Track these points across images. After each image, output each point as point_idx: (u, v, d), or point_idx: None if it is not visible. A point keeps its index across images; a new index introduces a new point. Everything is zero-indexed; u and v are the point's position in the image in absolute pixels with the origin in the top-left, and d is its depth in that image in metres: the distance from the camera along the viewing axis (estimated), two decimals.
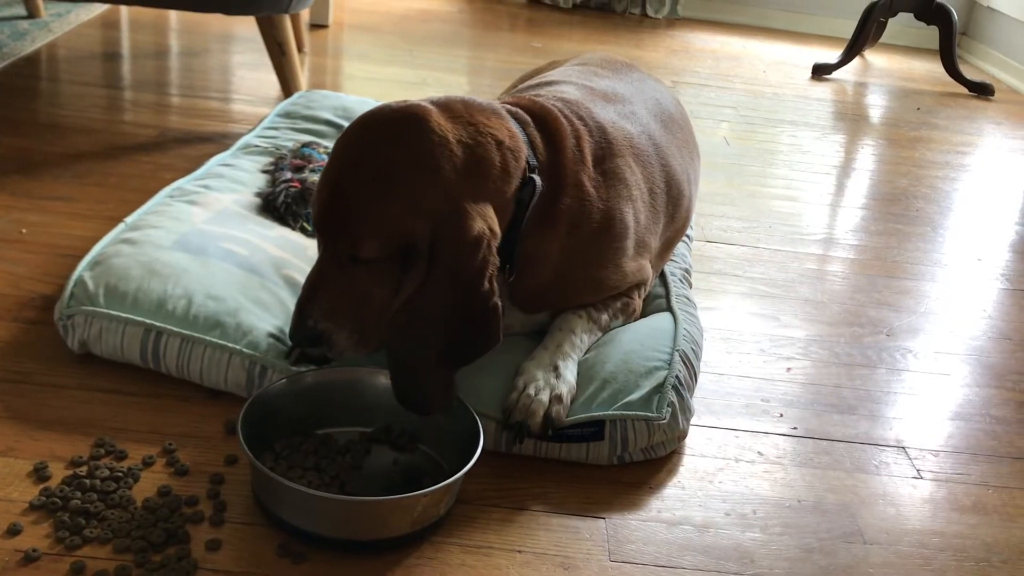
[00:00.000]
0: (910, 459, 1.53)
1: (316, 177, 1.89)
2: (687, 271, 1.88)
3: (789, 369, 1.56)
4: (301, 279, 1.59)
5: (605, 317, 1.53)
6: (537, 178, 1.36)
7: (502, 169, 1.32)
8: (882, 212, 2.59)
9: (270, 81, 2.82)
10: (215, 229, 1.68)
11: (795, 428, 1.58)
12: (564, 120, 1.43)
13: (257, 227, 1.74)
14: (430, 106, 1.30)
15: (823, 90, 3.79)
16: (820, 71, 3.90)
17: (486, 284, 1.25)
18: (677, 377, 1.47)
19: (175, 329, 1.43)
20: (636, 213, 1.52)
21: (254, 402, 1.28)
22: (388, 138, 1.26)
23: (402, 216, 1.23)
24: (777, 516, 1.36)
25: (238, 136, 2.31)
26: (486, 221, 1.27)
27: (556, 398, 1.37)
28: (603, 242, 1.47)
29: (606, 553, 1.25)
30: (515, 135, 1.36)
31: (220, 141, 2.41)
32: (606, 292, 1.53)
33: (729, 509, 1.36)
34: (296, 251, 1.70)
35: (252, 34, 3.12)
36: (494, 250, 1.27)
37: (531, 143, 1.39)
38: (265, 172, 2.00)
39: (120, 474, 1.24)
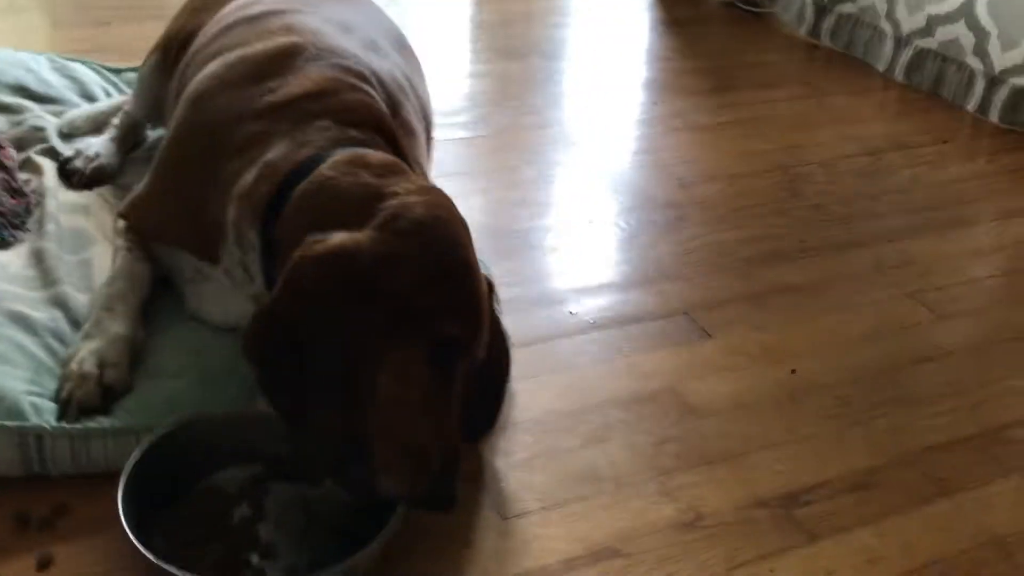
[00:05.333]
0: (695, 321, 1.63)
1: None
2: None
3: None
4: (28, 311, 1.33)
5: None
6: None
7: None
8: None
9: None
10: None
11: (591, 322, 1.61)
12: (383, 114, 1.30)
13: None
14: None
15: None
16: None
17: None
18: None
19: None
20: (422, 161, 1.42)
21: (128, 480, 1.05)
22: (458, 231, 1.14)
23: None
24: (619, 416, 1.40)
25: None
26: None
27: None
28: None
29: (496, 515, 1.22)
30: None
31: None
32: None
33: (582, 428, 1.37)
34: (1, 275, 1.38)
35: None
36: None
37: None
38: None
39: None
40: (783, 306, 1.70)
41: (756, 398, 1.47)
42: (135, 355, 1.26)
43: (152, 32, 2.56)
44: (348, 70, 1.31)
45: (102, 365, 1.21)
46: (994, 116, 2.50)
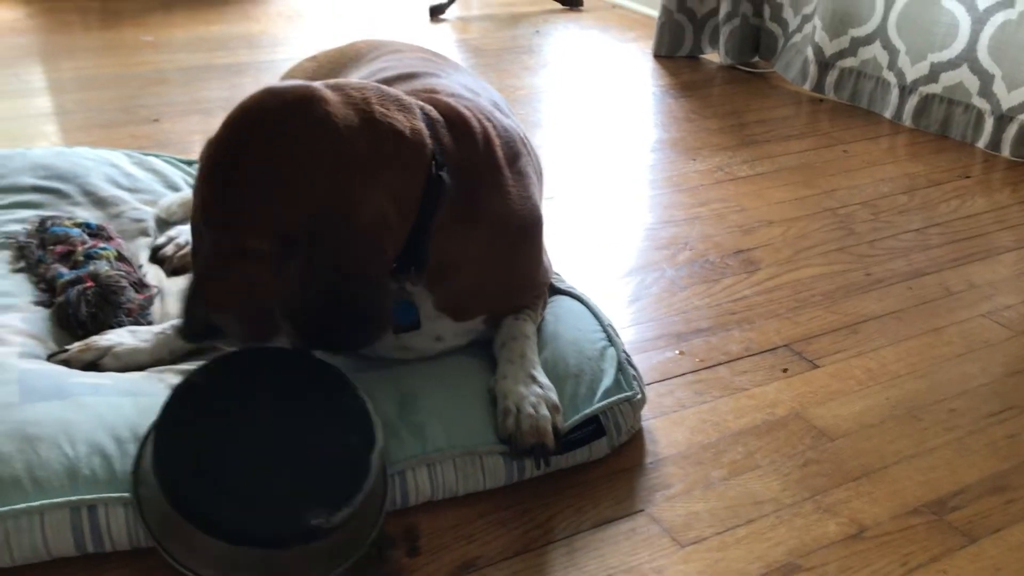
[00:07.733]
0: (798, 353, 1.71)
1: (106, 267, 1.58)
2: None
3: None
4: None
5: (539, 315, 1.50)
6: (446, 176, 1.29)
7: (401, 163, 1.26)
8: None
9: None
10: (43, 366, 1.34)
11: (701, 360, 1.68)
12: (476, 122, 1.37)
13: None
14: (323, 90, 1.24)
15: (445, 31, 3.87)
16: (436, 12, 3.97)
17: (373, 277, 1.24)
18: (623, 350, 1.49)
19: (111, 495, 1.15)
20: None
21: None
22: (274, 125, 1.21)
23: (284, 209, 1.20)
24: (757, 445, 1.46)
25: None
26: (376, 213, 1.22)
27: (554, 408, 1.33)
28: (532, 241, 1.45)
29: (674, 542, 1.27)
30: (419, 131, 1.29)
31: None
32: (539, 289, 1.51)
33: (726, 457, 1.44)
34: None
35: None
36: (384, 243, 1.24)
37: (439, 142, 1.31)
38: (19, 272, 1.61)
39: None
40: (872, 333, 1.78)
41: (878, 417, 1.54)
42: None
43: (201, 126, 2.67)
44: (481, 107, 1.41)
45: None
46: (1006, 151, 2.66)
